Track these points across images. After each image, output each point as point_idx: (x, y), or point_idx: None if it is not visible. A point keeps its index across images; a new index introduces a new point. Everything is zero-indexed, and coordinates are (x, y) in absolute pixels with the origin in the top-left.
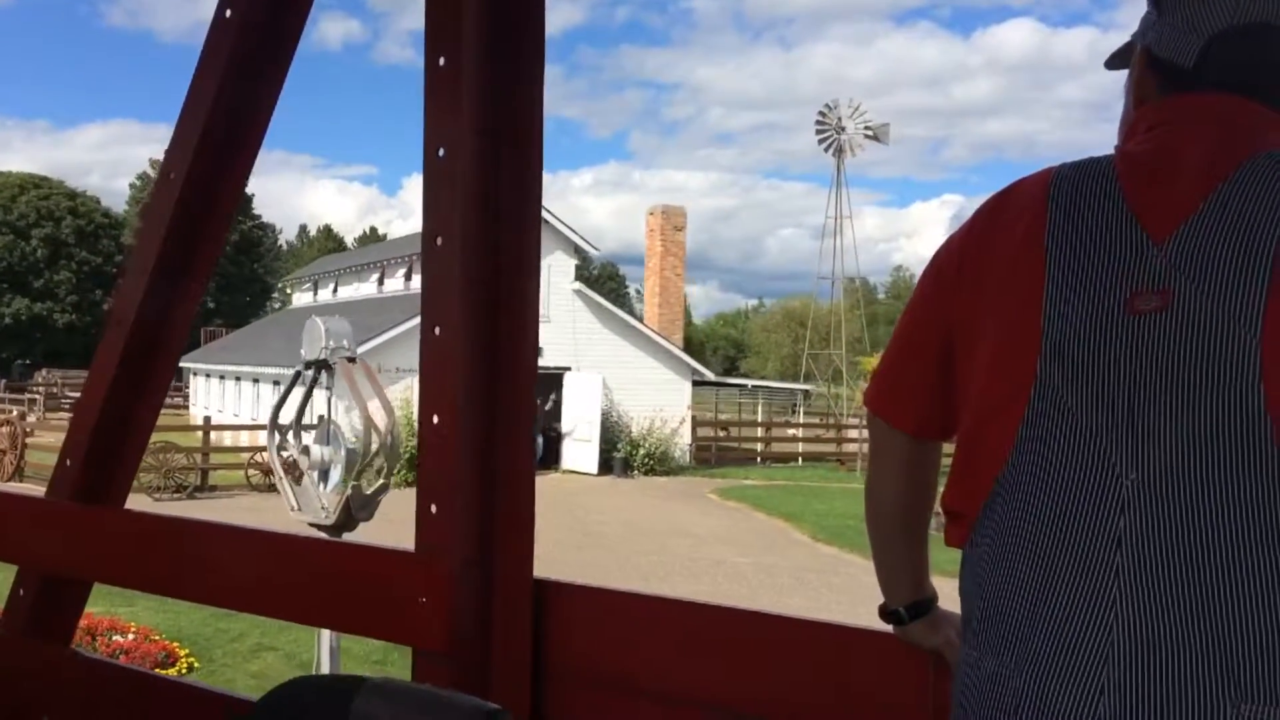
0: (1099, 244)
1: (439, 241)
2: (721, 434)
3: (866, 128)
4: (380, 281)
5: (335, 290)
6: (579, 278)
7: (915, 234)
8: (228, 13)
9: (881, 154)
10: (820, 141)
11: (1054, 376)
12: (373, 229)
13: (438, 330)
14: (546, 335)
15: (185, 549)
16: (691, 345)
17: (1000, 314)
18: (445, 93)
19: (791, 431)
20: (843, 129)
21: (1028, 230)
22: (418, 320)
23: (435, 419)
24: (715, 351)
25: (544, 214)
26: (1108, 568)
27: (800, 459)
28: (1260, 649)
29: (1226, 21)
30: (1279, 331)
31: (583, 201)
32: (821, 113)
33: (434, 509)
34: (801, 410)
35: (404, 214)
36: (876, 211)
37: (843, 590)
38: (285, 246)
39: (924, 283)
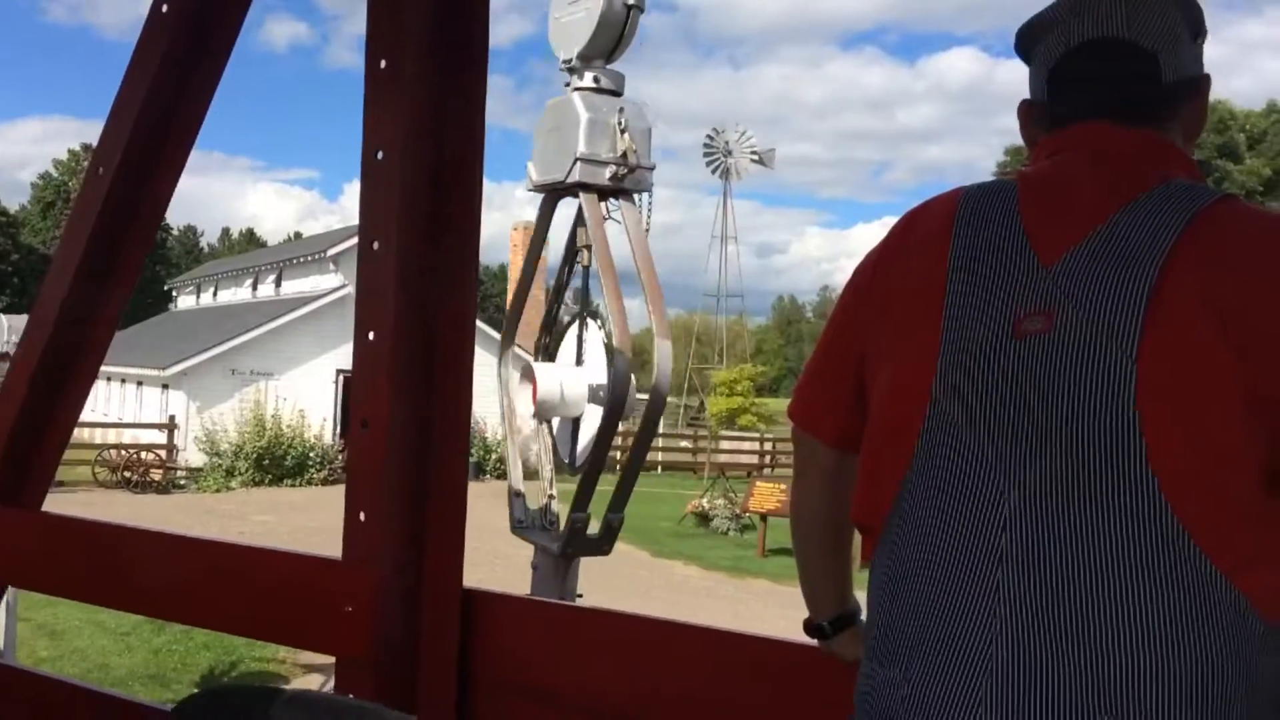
0: (994, 265)
1: (375, 246)
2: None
3: (753, 152)
4: (254, 286)
5: (215, 294)
6: None
7: (857, 255)
8: (164, 7)
9: (827, 175)
10: (708, 164)
11: (947, 396)
12: (298, 233)
13: (371, 335)
14: None
15: (104, 553)
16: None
17: (904, 333)
18: (386, 95)
19: (684, 443)
20: (729, 153)
21: (933, 251)
22: (275, 324)
23: (366, 425)
24: (643, 366)
25: None
26: (990, 584)
27: (660, 468)
28: (1128, 664)
29: (1061, 49)
30: (1155, 354)
31: (526, 213)
32: (709, 136)
33: (363, 517)
34: (664, 421)
35: (345, 218)
36: (819, 232)
37: (588, 577)
38: (207, 249)
39: (842, 299)
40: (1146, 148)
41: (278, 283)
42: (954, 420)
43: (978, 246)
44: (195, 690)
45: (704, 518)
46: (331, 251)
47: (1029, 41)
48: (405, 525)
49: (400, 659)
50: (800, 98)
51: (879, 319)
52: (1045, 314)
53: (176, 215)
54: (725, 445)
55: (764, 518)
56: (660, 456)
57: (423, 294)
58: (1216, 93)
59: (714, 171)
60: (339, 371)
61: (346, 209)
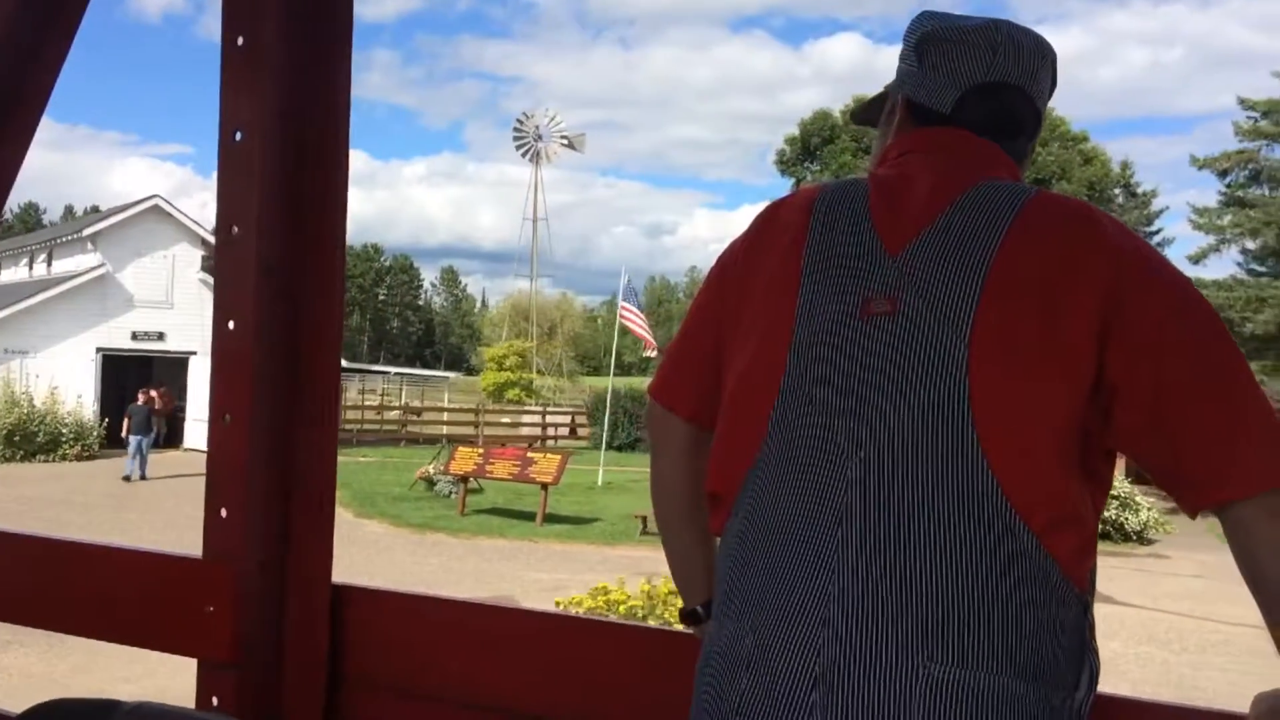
0: (846, 254)
1: (235, 231)
2: (413, 416)
3: (563, 136)
4: (30, 265)
5: None
6: (205, 268)
7: None
8: None
9: (715, 156)
10: (518, 148)
11: (800, 368)
12: (155, 208)
13: (232, 324)
14: (174, 321)
15: None
16: (483, 341)
17: (762, 316)
18: (243, 74)
19: (487, 417)
20: (540, 137)
21: (792, 240)
22: (30, 303)
23: (227, 417)
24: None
25: (167, 208)
26: (831, 538)
27: (446, 440)
28: (951, 616)
29: (980, 78)
30: (985, 335)
31: (413, 192)
32: (519, 120)
33: (224, 513)
34: (446, 395)
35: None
36: (707, 213)
37: None
38: (48, 227)
39: (705, 285)
40: (981, 147)
41: (49, 261)
42: (806, 392)
43: (831, 238)
44: None
45: (430, 482)
46: (88, 231)
47: (939, 44)
48: (269, 521)
49: (265, 660)
50: (689, 79)
51: (739, 305)
52: (890, 298)
53: (34, 193)
54: (527, 419)
55: (463, 480)
56: (446, 430)
57: (286, 280)
58: (1083, 82)
59: (524, 155)
60: (99, 350)
61: None
